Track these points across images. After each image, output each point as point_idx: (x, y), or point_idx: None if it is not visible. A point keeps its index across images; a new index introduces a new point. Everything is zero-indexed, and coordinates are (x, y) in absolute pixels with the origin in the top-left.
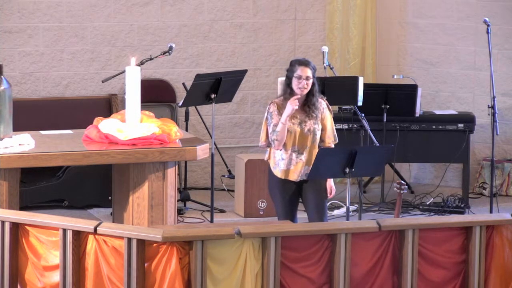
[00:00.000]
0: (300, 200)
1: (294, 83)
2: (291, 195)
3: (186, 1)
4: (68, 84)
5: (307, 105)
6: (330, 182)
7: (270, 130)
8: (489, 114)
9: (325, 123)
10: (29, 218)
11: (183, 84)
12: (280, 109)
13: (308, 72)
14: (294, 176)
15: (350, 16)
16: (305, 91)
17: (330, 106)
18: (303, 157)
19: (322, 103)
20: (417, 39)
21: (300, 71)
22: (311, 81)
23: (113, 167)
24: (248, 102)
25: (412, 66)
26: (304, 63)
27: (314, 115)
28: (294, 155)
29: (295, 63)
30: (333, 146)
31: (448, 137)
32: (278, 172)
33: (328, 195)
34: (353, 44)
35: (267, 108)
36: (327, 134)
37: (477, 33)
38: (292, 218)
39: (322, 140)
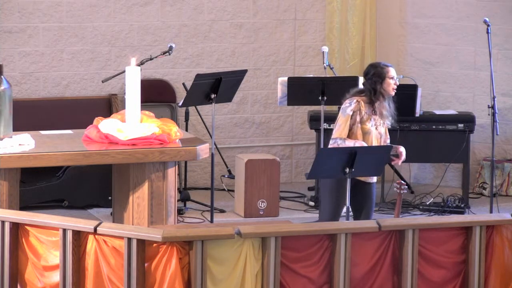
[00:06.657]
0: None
1: (389, 84)
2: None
3: (186, 1)
4: (68, 84)
5: (384, 107)
6: (400, 148)
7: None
8: (489, 114)
9: None
10: (29, 218)
11: (183, 84)
12: (363, 109)
13: None
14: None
15: (349, 16)
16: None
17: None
18: None
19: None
20: (417, 39)
21: (392, 72)
22: None
23: (113, 167)
24: (248, 102)
25: (412, 66)
26: (390, 65)
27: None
28: None
29: (383, 66)
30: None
31: (448, 137)
32: None
33: (400, 158)
34: (352, 44)
35: (350, 102)
36: None
37: (477, 33)
38: (338, 217)
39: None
